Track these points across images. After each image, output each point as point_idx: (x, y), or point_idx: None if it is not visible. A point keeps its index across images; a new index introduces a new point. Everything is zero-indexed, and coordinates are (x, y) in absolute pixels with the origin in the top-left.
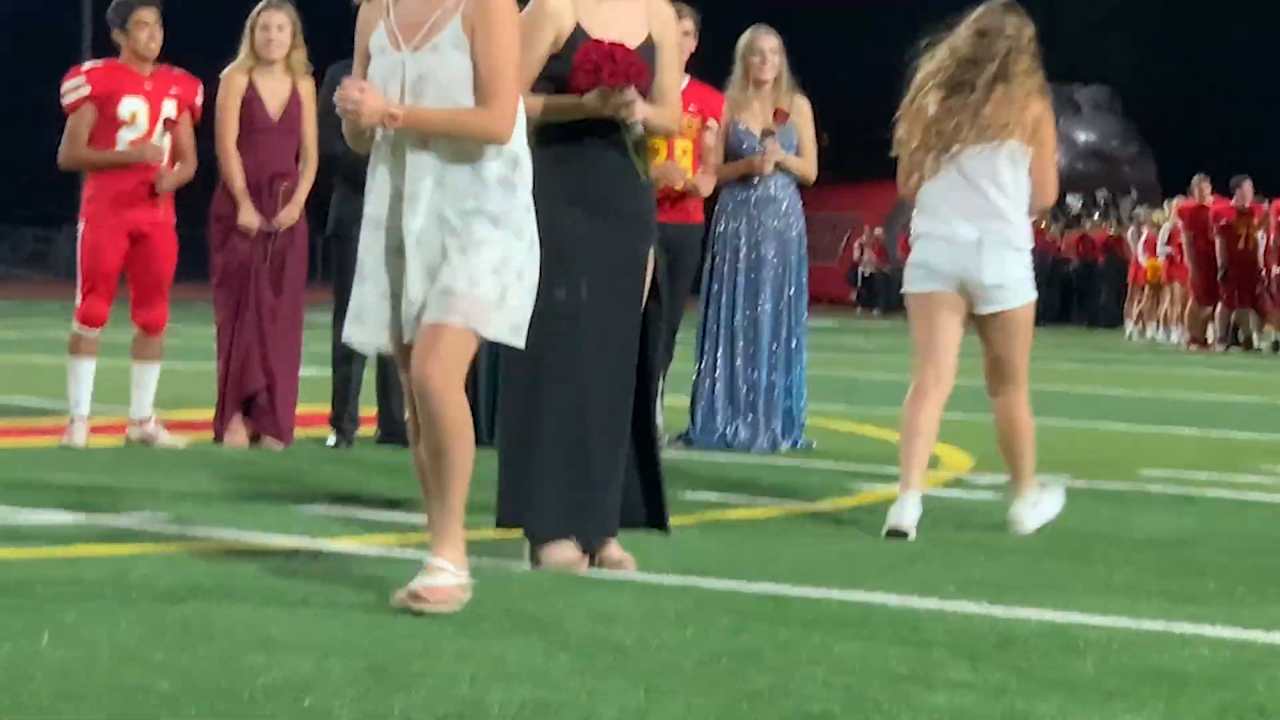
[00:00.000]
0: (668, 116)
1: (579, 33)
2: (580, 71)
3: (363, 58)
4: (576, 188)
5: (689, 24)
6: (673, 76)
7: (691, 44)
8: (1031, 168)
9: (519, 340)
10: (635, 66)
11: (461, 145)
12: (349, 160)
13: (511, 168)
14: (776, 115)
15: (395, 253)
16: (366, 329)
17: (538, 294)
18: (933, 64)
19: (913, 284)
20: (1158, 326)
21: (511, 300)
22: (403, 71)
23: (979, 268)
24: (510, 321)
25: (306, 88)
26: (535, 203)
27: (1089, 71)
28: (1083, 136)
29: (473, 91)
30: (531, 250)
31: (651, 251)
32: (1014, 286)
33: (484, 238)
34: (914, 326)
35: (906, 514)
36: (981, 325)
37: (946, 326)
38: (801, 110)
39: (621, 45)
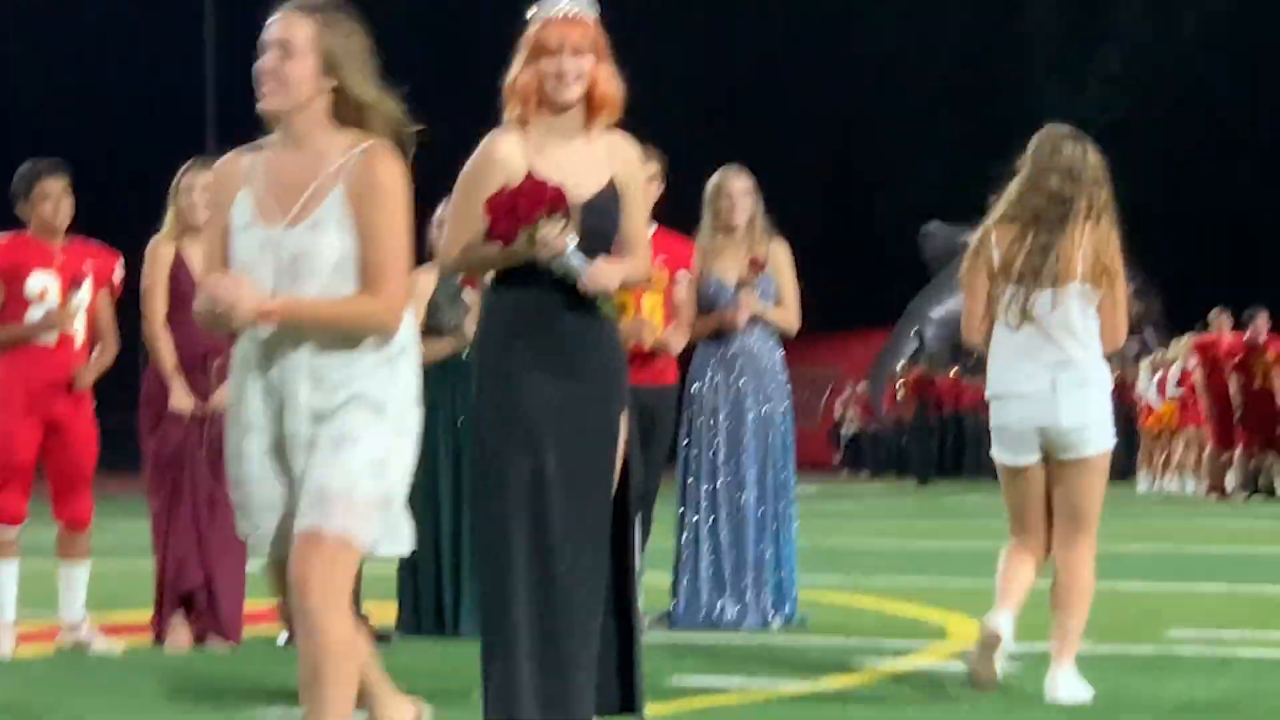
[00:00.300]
0: (635, 267)
1: (551, 181)
2: (495, 223)
3: (221, 230)
4: (538, 346)
5: (654, 167)
6: (639, 223)
7: (657, 189)
8: (1101, 306)
9: (403, 550)
10: (550, 193)
11: (340, 336)
12: None
13: (396, 351)
14: (752, 264)
15: (272, 454)
16: (259, 533)
17: (502, 467)
18: (1001, 204)
19: (997, 452)
20: (1174, 475)
21: (397, 504)
22: (276, 251)
23: (1055, 414)
24: (395, 529)
25: None
26: (493, 363)
27: None
28: None
29: (357, 274)
30: (415, 447)
31: (624, 415)
32: (1094, 428)
33: (361, 431)
34: (1003, 489)
35: (1000, 620)
36: (1056, 469)
37: (1036, 494)
38: (779, 256)
39: (530, 178)
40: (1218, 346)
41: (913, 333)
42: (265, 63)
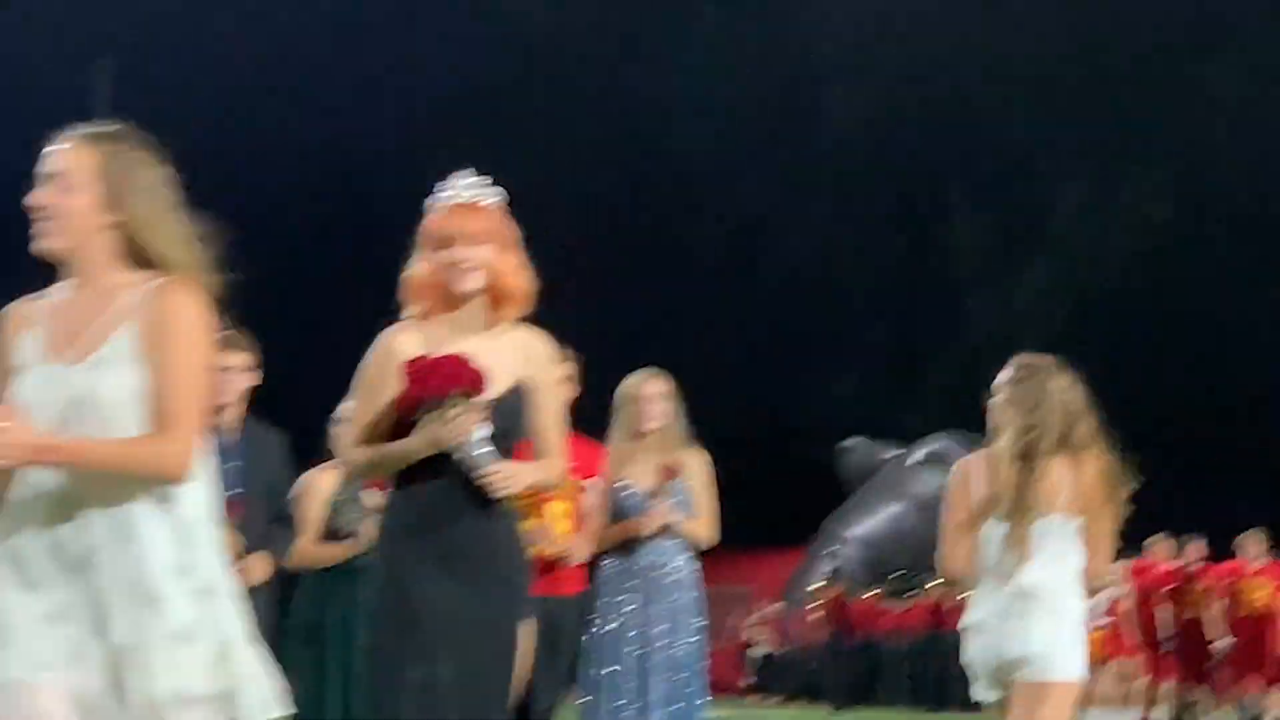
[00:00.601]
0: (546, 470)
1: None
2: (410, 384)
3: (3, 373)
4: (438, 548)
5: (567, 368)
6: (552, 423)
7: (570, 392)
8: (1086, 538)
9: (283, 710)
10: (471, 373)
11: (133, 482)
12: None
13: (193, 517)
14: (665, 471)
15: (48, 621)
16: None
17: (393, 673)
18: (996, 438)
19: (977, 691)
20: (1099, 709)
21: (263, 666)
22: (58, 390)
23: (1002, 643)
24: (266, 691)
25: None
26: (391, 564)
27: None
28: None
29: (146, 417)
30: (239, 600)
31: (525, 625)
32: (1043, 658)
33: (199, 620)
34: None
35: None
36: (1012, 692)
37: None
38: (695, 464)
39: (455, 355)
40: (1152, 573)
41: (829, 552)
42: (40, 198)
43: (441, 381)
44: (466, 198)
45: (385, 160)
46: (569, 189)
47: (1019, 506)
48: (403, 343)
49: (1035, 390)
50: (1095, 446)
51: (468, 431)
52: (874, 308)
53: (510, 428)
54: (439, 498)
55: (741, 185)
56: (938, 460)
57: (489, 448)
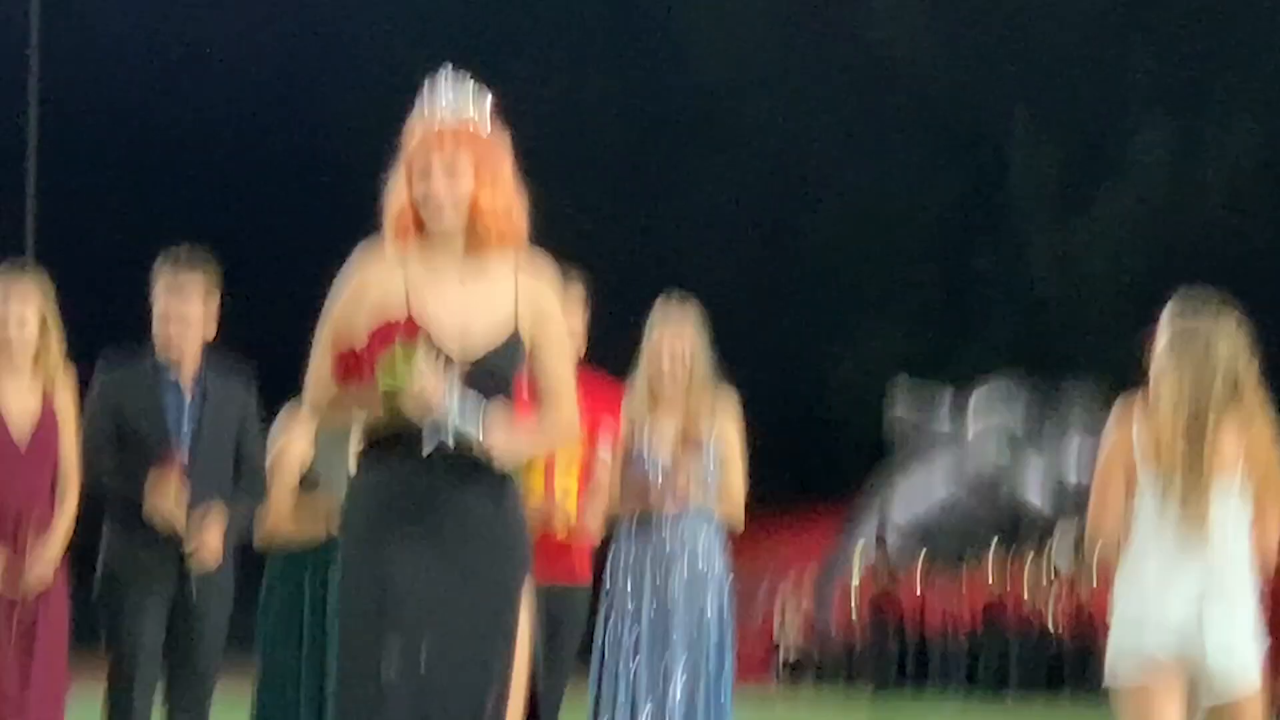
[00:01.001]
0: (551, 426)
1: (409, 314)
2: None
3: None
4: (417, 527)
5: (576, 289)
6: (558, 371)
7: (581, 317)
8: (1255, 509)
9: None
10: (394, 329)
11: None
12: (123, 491)
13: None
14: (688, 442)
15: None
16: None
17: (360, 664)
18: (1155, 382)
19: (1120, 676)
20: None
21: None
22: None
23: (1202, 648)
24: None
25: (64, 398)
26: (361, 548)
27: (1078, 362)
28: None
29: None
30: None
31: (524, 601)
32: (1245, 669)
33: None
34: None
35: None
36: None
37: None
38: (724, 424)
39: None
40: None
41: (870, 537)
42: None
43: (373, 352)
44: (450, 117)
45: (366, 74)
46: (576, 111)
47: (1192, 468)
48: (377, 277)
49: (1202, 333)
50: (1259, 398)
51: (439, 393)
52: (926, 246)
53: (496, 387)
54: (420, 466)
55: (776, 110)
56: (1000, 435)
57: (471, 418)
